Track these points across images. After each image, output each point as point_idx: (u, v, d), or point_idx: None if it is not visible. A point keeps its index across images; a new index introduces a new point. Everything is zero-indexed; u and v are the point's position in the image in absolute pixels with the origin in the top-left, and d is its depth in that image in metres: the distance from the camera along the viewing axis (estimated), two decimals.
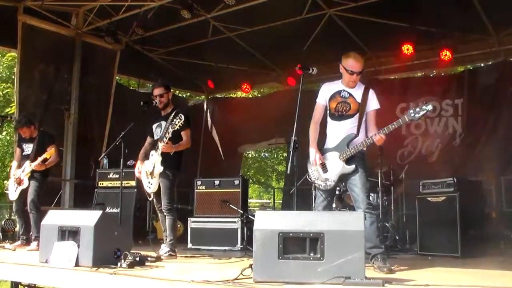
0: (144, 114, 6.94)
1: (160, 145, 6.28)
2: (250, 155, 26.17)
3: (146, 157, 6.67)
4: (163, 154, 6.34)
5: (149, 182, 6.53)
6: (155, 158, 6.41)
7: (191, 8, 9.35)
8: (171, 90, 6.98)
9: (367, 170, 5.35)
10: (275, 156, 29.76)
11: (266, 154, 29.14)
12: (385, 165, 7.85)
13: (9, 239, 8.90)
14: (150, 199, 6.69)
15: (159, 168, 6.35)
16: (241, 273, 4.06)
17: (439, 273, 5.01)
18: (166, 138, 6.24)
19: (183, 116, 6.09)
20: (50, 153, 7.58)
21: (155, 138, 6.68)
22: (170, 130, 6.18)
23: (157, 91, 6.69)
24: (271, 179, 32.41)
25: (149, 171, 6.48)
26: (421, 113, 5.19)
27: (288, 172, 4.91)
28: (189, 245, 8.42)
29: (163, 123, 6.59)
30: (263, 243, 3.95)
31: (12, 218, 10.50)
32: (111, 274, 4.48)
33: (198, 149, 13.27)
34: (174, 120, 6.13)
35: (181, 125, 6.10)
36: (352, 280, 3.72)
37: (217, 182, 8.62)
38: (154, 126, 6.78)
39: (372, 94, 5.54)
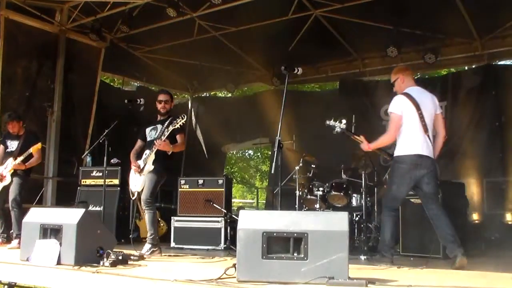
0: (128, 112, 6.90)
1: (157, 142, 6.29)
2: (234, 155, 26.13)
3: (138, 157, 6.69)
4: (156, 154, 6.38)
5: (135, 180, 6.53)
6: (148, 157, 6.45)
7: (177, 6, 9.30)
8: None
9: None
10: (258, 155, 29.75)
11: (250, 153, 29.11)
12: (369, 167, 7.87)
13: None
14: (133, 198, 6.68)
15: (150, 167, 6.39)
16: (225, 273, 4.05)
17: (421, 274, 5.04)
18: (164, 137, 6.25)
19: (185, 116, 6.18)
20: (36, 147, 7.52)
21: (148, 139, 6.71)
22: (171, 128, 6.25)
23: (163, 97, 6.79)
24: (255, 179, 32.41)
25: (139, 168, 6.47)
26: (336, 129, 6.19)
27: (272, 171, 4.89)
28: (172, 244, 8.40)
29: (159, 126, 6.67)
30: (247, 242, 3.95)
31: None
32: (93, 272, 4.45)
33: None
34: (177, 119, 6.18)
35: (181, 124, 6.15)
36: (336, 280, 3.74)
37: (201, 181, 8.59)
38: (148, 130, 6.82)
39: None
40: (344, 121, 6.21)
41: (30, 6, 9.85)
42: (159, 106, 6.74)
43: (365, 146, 6.10)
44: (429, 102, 5.88)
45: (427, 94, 5.98)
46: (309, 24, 10.20)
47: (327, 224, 3.93)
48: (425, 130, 5.73)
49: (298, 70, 5.51)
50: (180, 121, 6.19)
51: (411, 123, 5.74)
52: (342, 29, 10.35)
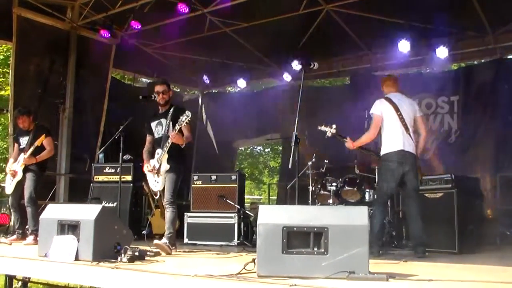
0: (140, 108, 6.89)
1: (172, 135, 6.24)
2: (243, 151, 26.12)
3: (151, 155, 6.66)
4: (169, 151, 6.35)
5: (155, 181, 6.52)
6: (161, 156, 6.42)
7: (189, 2, 9.30)
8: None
9: None
10: (266, 151, 29.77)
11: (259, 149, 29.13)
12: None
13: (3, 233, 8.83)
14: (157, 197, 6.70)
15: (166, 166, 6.37)
16: (244, 268, 4.06)
17: (440, 268, 5.02)
18: (175, 131, 6.22)
19: (189, 113, 6.14)
20: (40, 140, 7.54)
21: (156, 136, 6.66)
22: (177, 127, 6.19)
23: (160, 88, 6.65)
24: (263, 175, 32.42)
25: (155, 169, 6.46)
26: (327, 133, 6.86)
27: (290, 166, 4.90)
28: (185, 240, 8.39)
29: (163, 120, 6.59)
30: (267, 237, 3.95)
31: (4, 211, 10.47)
32: (112, 268, 4.46)
33: (192, 144, 13.25)
34: (182, 117, 6.14)
35: (187, 122, 6.13)
36: (356, 274, 3.73)
37: (214, 177, 8.57)
38: (153, 124, 6.75)
39: None
40: (334, 126, 6.87)
41: (42, 3, 9.92)
42: (158, 97, 6.62)
43: (350, 144, 6.66)
44: (408, 105, 6.52)
45: (406, 99, 6.62)
46: (320, 19, 10.18)
47: (347, 218, 3.93)
48: (406, 129, 6.33)
49: (314, 65, 5.55)
50: (186, 119, 6.14)
51: (392, 123, 6.36)
52: (353, 24, 10.30)
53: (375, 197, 6.95)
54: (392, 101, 6.43)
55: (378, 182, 6.64)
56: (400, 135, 6.30)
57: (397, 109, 6.36)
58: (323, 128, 6.96)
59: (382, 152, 6.43)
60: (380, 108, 6.44)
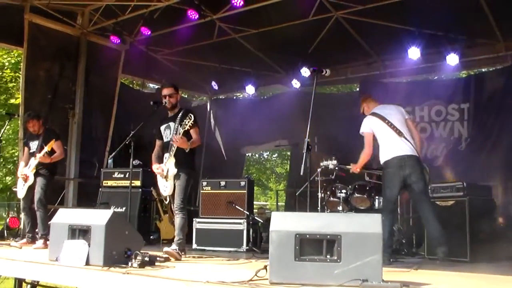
0: (151, 114, 6.86)
1: (174, 139, 6.21)
2: (250, 157, 26.10)
3: (159, 159, 6.63)
4: (176, 156, 6.30)
5: (164, 185, 6.49)
6: (169, 160, 6.38)
7: (199, 9, 9.32)
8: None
9: None
10: (273, 157, 29.76)
11: (266, 155, 29.11)
12: None
13: (13, 236, 8.85)
14: (167, 202, 6.67)
15: (173, 171, 6.32)
16: (256, 275, 4.03)
17: (452, 277, 4.98)
18: (179, 134, 6.19)
19: (192, 116, 6.09)
20: (50, 144, 7.55)
21: (165, 140, 6.63)
22: (181, 130, 6.15)
23: (166, 91, 6.59)
24: (270, 181, 32.40)
25: (164, 174, 6.44)
26: (330, 166, 7.46)
27: (302, 173, 4.88)
28: (194, 246, 8.38)
29: (172, 124, 6.54)
30: (280, 244, 3.92)
31: (14, 215, 10.49)
32: (123, 273, 4.44)
33: (201, 150, 13.25)
34: (184, 120, 6.11)
35: (191, 124, 6.08)
36: (370, 283, 3.70)
37: (223, 183, 8.56)
38: (162, 128, 6.71)
39: None
40: (333, 158, 7.58)
41: (52, 10, 9.98)
42: (164, 101, 6.57)
43: (354, 169, 6.93)
44: (394, 111, 6.62)
45: (390, 106, 6.75)
46: (330, 26, 10.17)
47: (361, 226, 3.89)
48: (399, 134, 6.37)
49: (326, 72, 5.55)
50: (189, 122, 6.10)
51: (384, 133, 6.45)
52: (363, 31, 10.30)
53: (382, 206, 6.96)
54: (377, 114, 6.58)
55: (382, 190, 6.67)
56: (393, 141, 6.36)
57: (383, 119, 6.48)
58: (324, 163, 7.50)
59: (382, 161, 6.50)
60: (368, 125, 6.57)
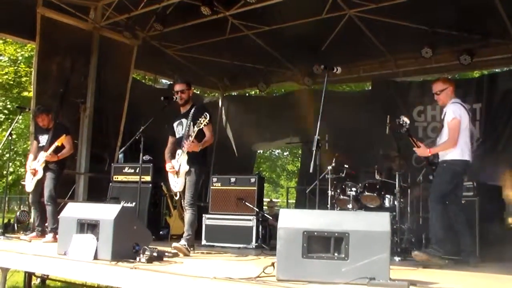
0: (161, 109, 6.86)
1: (186, 144, 6.25)
2: (261, 154, 26.10)
3: (172, 156, 6.64)
4: (188, 152, 6.32)
5: (175, 181, 6.50)
6: (181, 157, 6.39)
7: (212, 5, 9.31)
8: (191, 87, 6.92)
9: None
10: (284, 154, 29.74)
11: (277, 152, 29.10)
12: (403, 167, 7.79)
13: (23, 230, 8.91)
14: (177, 197, 6.68)
15: (185, 167, 6.34)
16: (263, 271, 4.03)
17: (460, 276, 4.95)
18: (191, 137, 6.21)
19: (208, 115, 6.10)
20: (60, 140, 7.58)
21: (177, 136, 6.64)
22: (196, 129, 6.17)
23: (178, 87, 6.61)
24: (281, 178, 32.40)
25: (175, 170, 6.45)
26: (403, 129, 6.11)
27: (311, 171, 4.86)
28: (203, 242, 8.39)
29: (184, 121, 6.56)
30: (287, 241, 3.92)
31: (24, 209, 10.55)
32: (131, 268, 4.45)
33: (212, 146, 13.24)
34: (200, 119, 6.13)
35: (206, 123, 6.10)
36: (377, 281, 3.69)
37: (233, 180, 8.58)
38: (175, 125, 6.73)
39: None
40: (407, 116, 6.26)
41: (65, 4, 9.98)
42: (176, 97, 6.60)
43: (424, 151, 6.17)
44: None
45: None
46: (343, 24, 10.12)
47: (369, 224, 3.88)
48: (471, 137, 6.18)
49: (337, 70, 5.51)
50: (204, 120, 6.12)
51: (465, 130, 6.04)
52: (376, 29, 10.22)
53: (431, 196, 6.20)
54: (465, 107, 6.14)
55: (437, 179, 6.17)
56: (468, 144, 6.10)
57: (469, 115, 6.16)
58: (405, 119, 6.15)
59: (452, 158, 6.01)
60: (460, 112, 6.04)
